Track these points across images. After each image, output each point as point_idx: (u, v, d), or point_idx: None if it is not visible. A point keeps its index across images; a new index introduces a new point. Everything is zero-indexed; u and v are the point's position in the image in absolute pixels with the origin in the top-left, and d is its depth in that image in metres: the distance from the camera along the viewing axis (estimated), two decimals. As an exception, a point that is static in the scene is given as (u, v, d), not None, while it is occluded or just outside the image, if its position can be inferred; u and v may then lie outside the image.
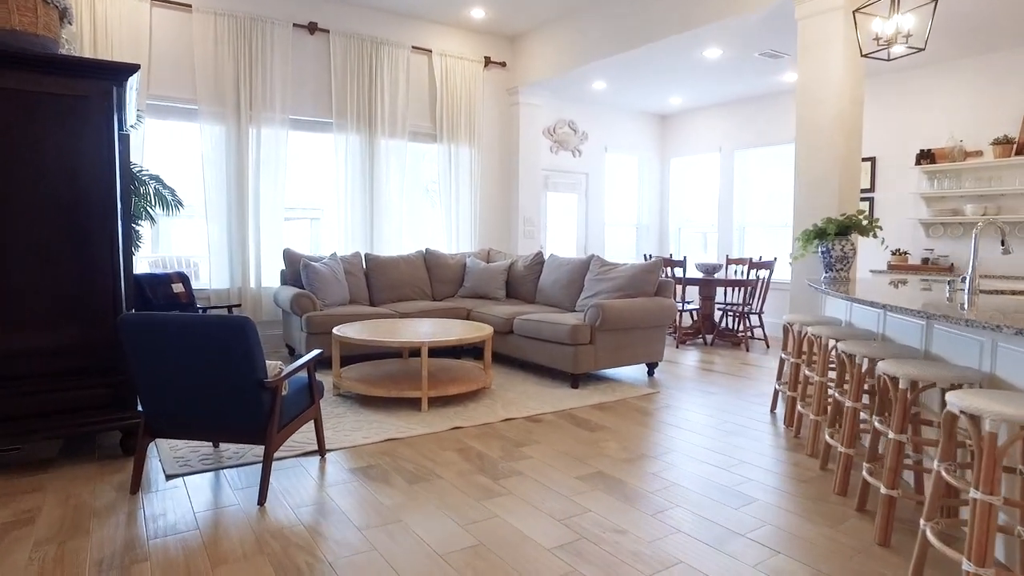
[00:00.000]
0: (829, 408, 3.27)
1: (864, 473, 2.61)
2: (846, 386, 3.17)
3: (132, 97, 3.73)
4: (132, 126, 4.94)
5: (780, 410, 4.28)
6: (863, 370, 2.84)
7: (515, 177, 7.61)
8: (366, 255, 6.03)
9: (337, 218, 6.48)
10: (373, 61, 6.55)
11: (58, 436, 3.09)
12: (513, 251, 7.61)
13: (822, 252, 4.29)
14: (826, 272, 4.31)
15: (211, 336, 2.59)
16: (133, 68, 3.20)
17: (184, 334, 2.60)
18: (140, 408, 3.27)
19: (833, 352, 3.59)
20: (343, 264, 5.73)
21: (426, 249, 6.46)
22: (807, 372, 3.65)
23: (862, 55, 3.73)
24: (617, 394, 4.64)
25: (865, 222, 4.08)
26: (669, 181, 9.20)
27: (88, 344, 3.12)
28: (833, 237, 4.15)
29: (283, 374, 2.78)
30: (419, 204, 7.13)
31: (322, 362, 5.36)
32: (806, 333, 3.90)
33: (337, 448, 3.41)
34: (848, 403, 2.86)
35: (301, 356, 5.43)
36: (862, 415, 3.18)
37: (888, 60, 3.59)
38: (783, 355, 4.15)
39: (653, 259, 5.41)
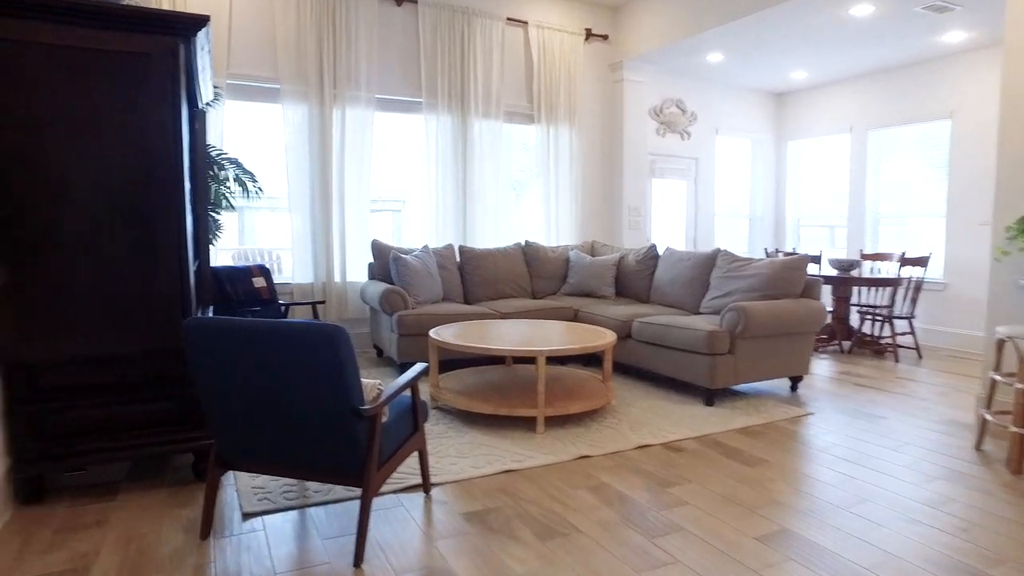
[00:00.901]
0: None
1: None
2: None
3: (206, 62, 3.23)
4: (208, 104, 4.51)
5: (989, 446, 3.38)
6: None
7: (619, 162, 6.86)
8: (460, 248, 5.43)
9: (425, 207, 5.92)
10: (465, 34, 5.94)
11: (121, 458, 2.61)
12: (616, 243, 6.86)
13: (1044, 245, 3.35)
14: (1050, 270, 3.36)
15: (294, 349, 2.00)
16: (201, 20, 2.66)
17: (261, 345, 2.02)
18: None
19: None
20: (436, 257, 5.15)
21: (525, 241, 5.81)
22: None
23: None
24: (763, 415, 3.84)
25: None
26: (786, 167, 8.20)
27: (152, 350, 2.62)
28: (1067, 225, 3.21)
29: (383, 398, 2.17)
30: (514, 191, 6.49)
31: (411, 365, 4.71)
32: (1037, 350, 2.99)
33: (443, 482, 2.79)
34: None
35: (391, 359, 4.88)
36: None
37: None
38: (996, 376, 3.24)
39: (795, 255, 4.56)
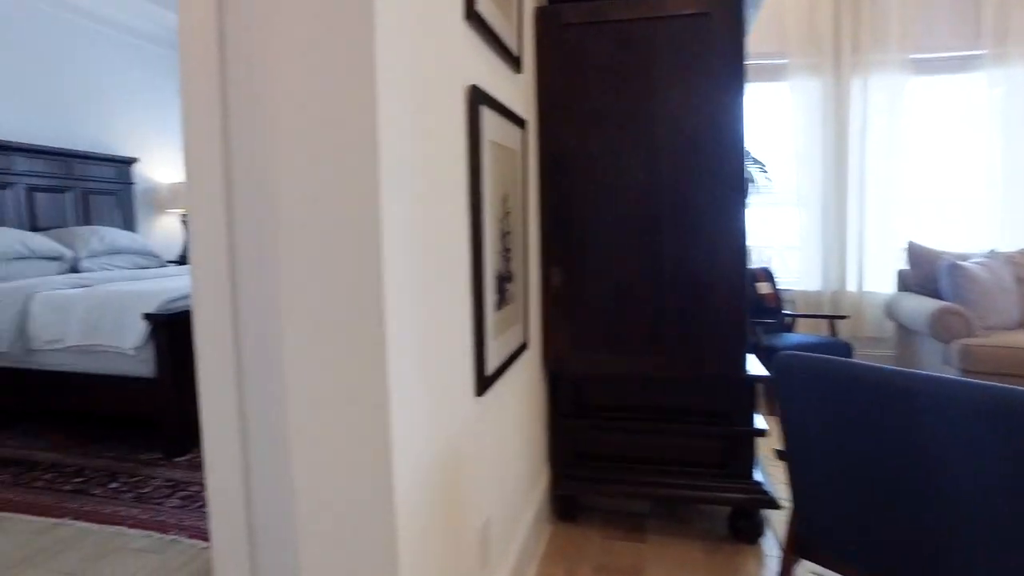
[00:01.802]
0: None
1: None
2: None
3: (751, 21, 2.68)
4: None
5: None
6: None
7: None
8: (1047, 252, 3.86)
9: (979, 195, 4.43)
10: (1051, -47, 4.21)
11: (652, 496, 2.26)
12: None
13: None
14: None
15: (963, 419, 1.23)
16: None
17: (909, 406, 1.31)
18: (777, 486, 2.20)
19: None
20: (1011, 266, 3.72)
21: None
22: None
23: None
24: None
25: None
26: None
27: (694, 377, 2.19)
28: None
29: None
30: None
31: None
32: None
33: None
34: None
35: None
36: None
37: None
38: None
39: None
